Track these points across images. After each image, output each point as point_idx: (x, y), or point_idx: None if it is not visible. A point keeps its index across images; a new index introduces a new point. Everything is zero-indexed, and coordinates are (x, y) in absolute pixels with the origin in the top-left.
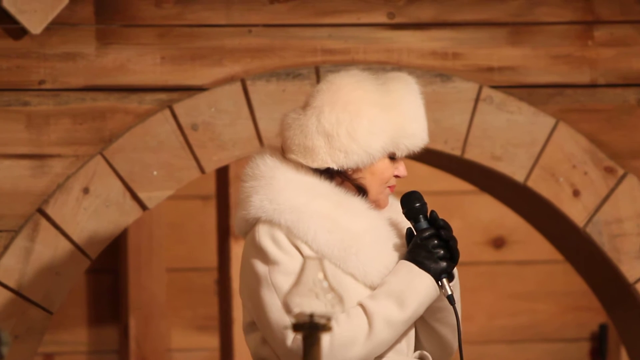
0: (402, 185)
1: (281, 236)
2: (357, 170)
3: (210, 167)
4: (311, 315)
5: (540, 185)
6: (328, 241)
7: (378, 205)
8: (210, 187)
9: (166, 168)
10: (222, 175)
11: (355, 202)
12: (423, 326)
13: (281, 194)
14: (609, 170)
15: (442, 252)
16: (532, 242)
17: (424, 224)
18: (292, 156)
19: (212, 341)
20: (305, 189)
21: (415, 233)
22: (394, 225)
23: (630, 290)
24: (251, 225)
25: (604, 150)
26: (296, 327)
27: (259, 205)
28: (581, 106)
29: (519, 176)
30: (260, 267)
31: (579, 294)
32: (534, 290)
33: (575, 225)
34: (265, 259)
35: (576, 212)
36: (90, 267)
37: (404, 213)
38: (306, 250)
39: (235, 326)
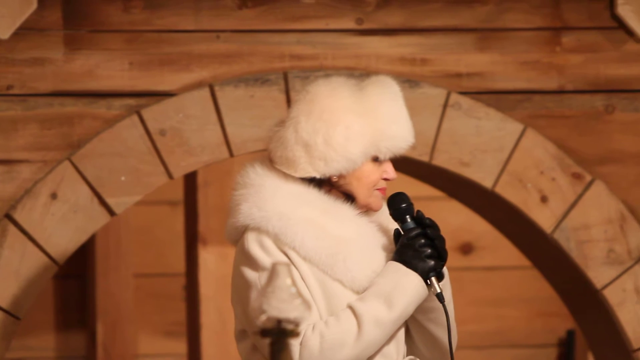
0: None
1: (269, 243)
2: (341, 176)
3: (179, 172)
4: (279, 321)
5: (508, 191)
6: (315, 247)
7: (370, 208)
8: (179, 192)
9: (134, 173)
10: (190, 180)
11: (343, 209)
12: (417, 327)
13: (269, 201)
14: (577, 177)
15: (429, 250)
16: (500, 248)
17: (410, 224)
18: (278, 167)
19: (180, 347)
20: (293, 197)
21: (402, 234)
22: (383, 230)
23: (597, 296)
24: (240, 233)
25: (571, 156)
26: (264, 333)
27: (248, 213)
28: (549, 112)
29: (487, 182)
30: (249, 273)
31: (546, 300)
32: (501, 296)
33: (542, 232)
34: (255, 265)
35: (544, 218)
36: (58, 273)
37: (390, 214)
38: (294, 257)
39: (203, 332)
